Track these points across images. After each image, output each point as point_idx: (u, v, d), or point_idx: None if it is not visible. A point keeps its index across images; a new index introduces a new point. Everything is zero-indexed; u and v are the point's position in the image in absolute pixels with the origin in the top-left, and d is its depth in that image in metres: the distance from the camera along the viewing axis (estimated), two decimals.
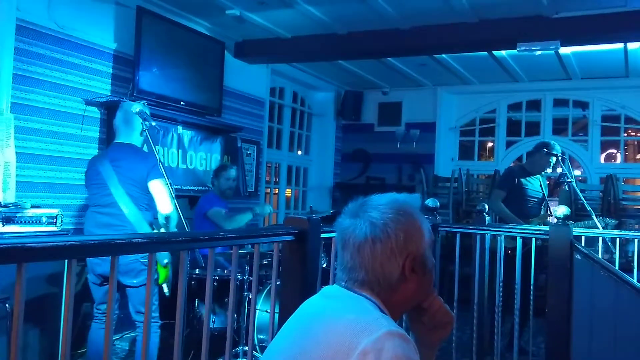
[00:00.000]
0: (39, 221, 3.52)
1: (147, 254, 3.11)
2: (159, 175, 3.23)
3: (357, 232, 1.23)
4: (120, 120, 3.41)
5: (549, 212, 4.72)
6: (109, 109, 4.63)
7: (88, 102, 4.51)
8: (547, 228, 3.16)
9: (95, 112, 4.59)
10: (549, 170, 4.82)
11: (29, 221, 3.46)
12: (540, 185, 4.74)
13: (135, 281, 3.20)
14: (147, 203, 3.30)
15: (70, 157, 4.39)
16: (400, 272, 1.23)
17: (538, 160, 4.71)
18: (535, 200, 4.70)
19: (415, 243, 1.24)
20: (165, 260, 3.19)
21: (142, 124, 3.30)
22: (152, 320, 3.26)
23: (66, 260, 1.36)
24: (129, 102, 3.62)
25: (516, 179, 4.66)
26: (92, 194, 3.37)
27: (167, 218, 3.23)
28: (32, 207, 3.57)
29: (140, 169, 3.24)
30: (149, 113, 3.38)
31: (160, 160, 3.29)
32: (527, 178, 4.69)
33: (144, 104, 3.42)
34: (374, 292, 1.23)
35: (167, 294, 3.35)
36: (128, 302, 3.40)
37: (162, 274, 3.31)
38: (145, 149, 3.50)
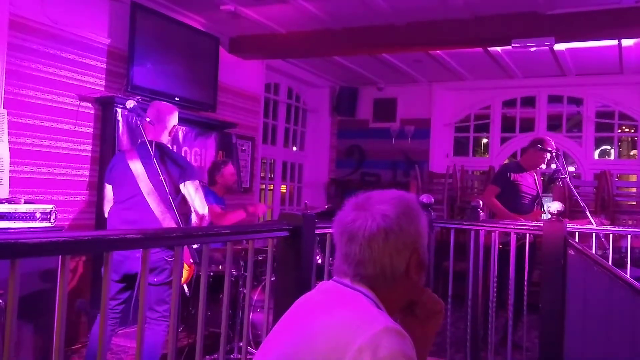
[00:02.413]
0: (33, 217, 3.51)
1: (172, 252, 3.14)
2: (195, 177, 3.31)
3: (368, 224, 1.22)
4: (152, 118, 3.39)
5: (542, 210, 4.73)
6: (103, 105, 4.62)
7: (82, 98, 4.49)
8: (541, 224, 3.17)
9: (89, 108, 4.57)
10: (544, 167, 4.83)
11: (22, 217, 3.45)
12: (535, 182, 4.75)
13: (156, 279, 3.19)
14: (173, 202, 3.29)
15: (64, 153, 4.38)
16: (406, 267, 1.23)
17: (532, 156, 4.72)
18: (530, 196, 4.71)
19: (421, 239, 1.26)
20: (190, 260, 3.19)
21: (136, 119, 3.29)
22: (163, 319, 3.26)
23: (60, 256, 1.35)
24: (161, 102, 3.63)
25: (511, 175, 4.66)
26: (118, 189, 3.35)
27: (202, 218, 3.27)
28: (26, 203, 3.56)
29: (172, 169, 3.26)
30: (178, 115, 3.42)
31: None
32: (521, 174, 4.69)
33: (138, 99, 3.41)
34: (374, 288, 1.23)
35: (187, 294, 3.36)
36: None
37: (184, 274, 3.31)
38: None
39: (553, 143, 4.72)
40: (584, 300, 2.70)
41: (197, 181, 3.33)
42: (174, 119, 3.49)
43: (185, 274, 3.31)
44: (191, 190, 3.28)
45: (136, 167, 3.26)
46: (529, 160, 4.76)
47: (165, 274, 3.19)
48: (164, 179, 3.19)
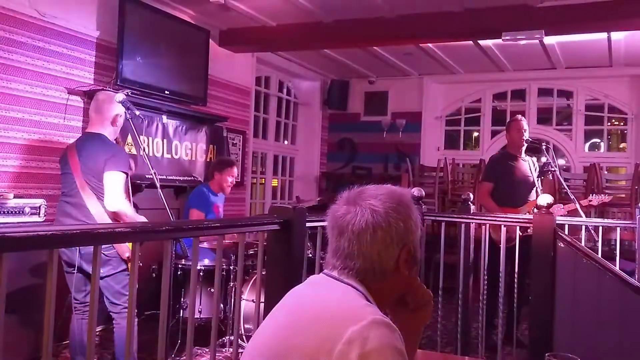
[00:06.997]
0: (22, 211, 3.49)
1: (110, 245, 3.03)
2: (115, 168, 3.10)
3: (357, 219, 1.23)
4: (92, 110, 3.29)
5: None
6: (92, 98, 4.58)
7: (71, 91, 4.46)
8: (530, 216, 3.18)
9: (78, 101, 4.53)
10: (524, 141, 4.53)
11: (11, 212, 3.43)
12: (530, 169, 4.57)
13: (100, 271, 3.11)
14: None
15: (53, 147, 4.34)
16: (395, 262, 1.23)
17: (510, 136, 4.60)
18: (525, 184, 4.52)
19: (412, 235, 1.26)
20: (127, 254, 3.07)
21: (125, 113, 3.25)
22: (126, 311, 3.20)
23: (48, 251, 1.34)
24: (103, 91, 3.54)
25: (500, 165, 4.54)
26: (62, 182, 3.30)
27: (115, 214, 3.09)
28: (15, 197, 3.53)
29: (99, 158, 3.12)
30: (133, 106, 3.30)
31: (128, 153, 3.19)
32: (513, 162, 4.52)
33: (127, 93, 3.37)
34: (364, 281, 1.23)
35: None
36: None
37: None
38: (128, 138, 3.44)
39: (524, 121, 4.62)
40: (573, 292, 2.71)
41: (120, 173, 3.12)
42: (115, 108, 3.27)
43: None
44: (107, 182, 3.10)
45: (74, 160, 3.16)
46: (511, 142, 4.63)
47: (108, 265, 3.09)
48: (94, 171, 3.11)
